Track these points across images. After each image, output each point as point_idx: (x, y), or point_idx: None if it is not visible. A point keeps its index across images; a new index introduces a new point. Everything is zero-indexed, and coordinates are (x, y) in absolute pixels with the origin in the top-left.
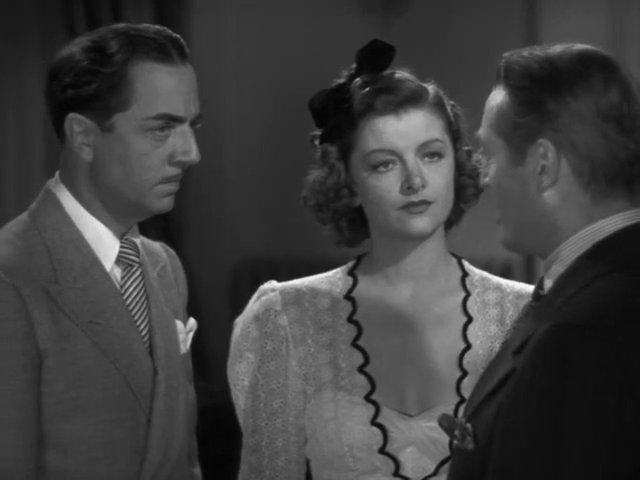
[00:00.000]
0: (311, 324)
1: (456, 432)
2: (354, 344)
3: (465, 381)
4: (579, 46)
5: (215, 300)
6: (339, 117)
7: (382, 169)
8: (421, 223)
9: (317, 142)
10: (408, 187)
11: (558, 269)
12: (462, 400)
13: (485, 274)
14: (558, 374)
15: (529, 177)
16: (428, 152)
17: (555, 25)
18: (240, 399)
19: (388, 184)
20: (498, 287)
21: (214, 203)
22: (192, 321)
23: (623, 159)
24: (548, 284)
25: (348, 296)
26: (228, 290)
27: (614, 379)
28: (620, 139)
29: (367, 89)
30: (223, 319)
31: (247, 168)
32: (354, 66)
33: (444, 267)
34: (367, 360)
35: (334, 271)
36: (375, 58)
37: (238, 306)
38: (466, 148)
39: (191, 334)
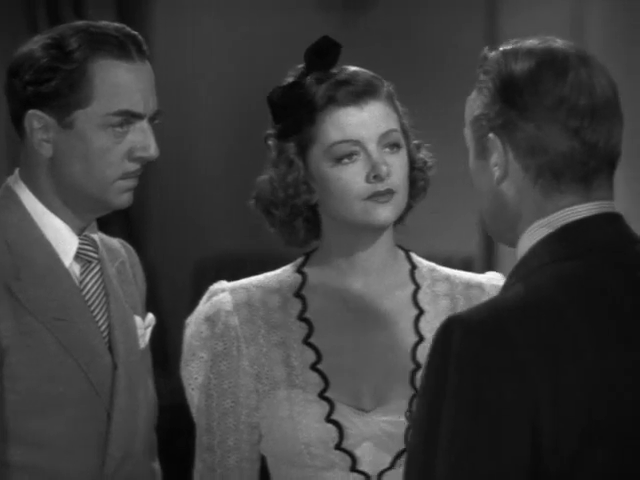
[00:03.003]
0: (262, 323)
1: None
2: (306, 342)
3: (419, 374)
4: (546, 43)
5: (178, 297)
6: (298, 112)
7: (346, 161)
8: (386, 212)
9: (271, 140)
10: (374, 176)
11: (517, 258)
12: (417, 393)
13: (433, 265)
14: (440, 364)
15: (489, 169)
16: (388, 142)
17: (516, 21)
18: (194, 397)
19: (353, 175)
20: (447, 278)
21: (177, 199)
22: (150, 316)
23: (570, 157)
24: None
25: (298, 294)
26: (191, 287)
27: (478, 378)
28: (565, 140)
29: (326, 82)
30: (186, 316)
31: (211, 164)
32: (302, 65)
33: (393, 261)
34: (319, 357)
35: (283, 269)
36: (324, 55)
37: None
38: (415, 142)
39: (149, 329)
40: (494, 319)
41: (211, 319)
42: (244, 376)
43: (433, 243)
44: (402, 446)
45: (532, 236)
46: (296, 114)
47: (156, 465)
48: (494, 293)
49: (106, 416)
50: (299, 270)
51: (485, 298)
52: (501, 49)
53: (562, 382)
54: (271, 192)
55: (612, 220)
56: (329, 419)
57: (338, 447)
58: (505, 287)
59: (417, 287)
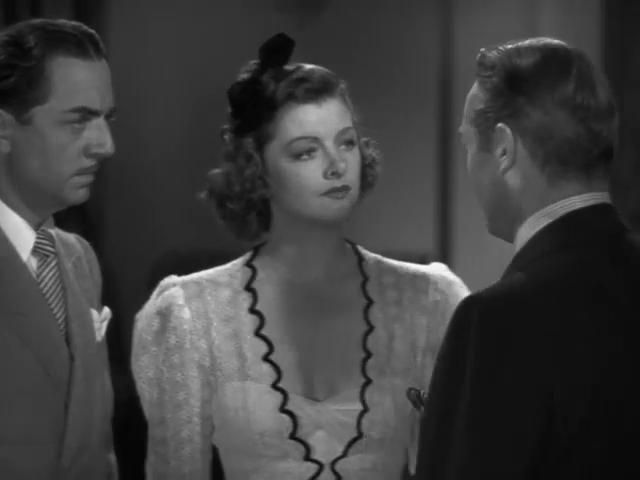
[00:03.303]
0: (214, 316)
1: (418, 404)
2: (257, 334)
3: (370, 362)
4: (544, 41)
5: (134, 294)
6: (258, 108)
7: (305, 157)
8: (342, 208)
9: (227, 135)
10: (332, 173)
11: (516, 250)
12: (368, 381)
13: (379, 257)
14: (458, 341)
15: (494, 161)
16: (344, 139)
17: (470, 21)
18: (145, 391)
19: (311, 171)
20: (394, 270)
21: (134, 196)
22: (106, 310)
23: (576, 143)
24: None
25: (248, 287)
26: (148, 283)
27: (497, 355)
28: (572, 126)
29: (285, 79)
30: None
31: (168, 162)
32: (254, 61)
33: (341, 253)
34: (271, 349)
35: (232, 263)
36: (280, 52)
37: None
38: (364, 139)
39: (105, 323)
40: (510, 300)
41: (163, 313)
42: (196, 369)
43: (390, 240)
44: (354, 434)
45: (533, 226)
46: (256, 110)
47: (112, 456)
48: (440, 283)
49: (63, 407)
50: (248, 264)
51: (431, 288)
52: (500, 48)
53: (572, 361)
54: (226, 186)
55: (608, 211)
56: (283, 409)
57: (292, 437)
58: (505, 276)
59: (365, 278)
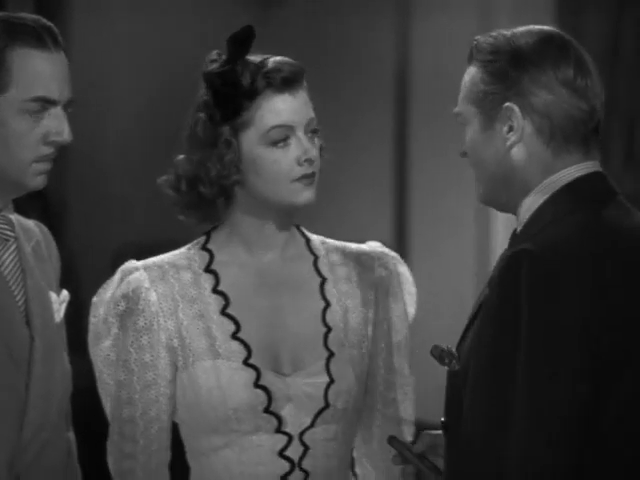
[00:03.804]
0: (179, 298)
1: (445, 359)
2: (223, 313)
3: (331, 336)
4: (540, 27)
5: (97, 281)
6: (239, 97)
7: (281, 144)
8: (311, 194)
9: (202, 124)
10: (305, 159)
11: (525, 215)
12: (331, 354)
13: (322, 238)
14: (513, 294)
15: (499, 138)
16: (311, 129)
17: (426, 26)
18: (104, 373)
19: (286, 158)
20: (338, 249)
21: (96, 186)
22: (65, 292)
23: (577, 118)
24: None
25: (208, 269)
26: (110, 272)
27: (565, 299)
28: (574, 101)
29: (261, 70)
30: None
31: (130, 152)
32: (216, 51)
33: (292, 235)
34: (239, 327)
35: (185, 248)
36: (246, 43)
37: None
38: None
39: (64, 304)
40: (554, 251)
41: (129, 296)
42: (164, 349)
43: (346, 230)
44: (322, 405)
45: (536, 198)
46: (236, 100)
47: (71, 434)
48: (383, 259)
49: (24, 386)
50: (204, 248)
51: (376, 265)
52: (494, 34)
53: (609, 299)
54: (202, 170)
55: (604, 177)
56: (257, 385)
57: (266, 410)
58: (514, 242)
59: (316, 257)
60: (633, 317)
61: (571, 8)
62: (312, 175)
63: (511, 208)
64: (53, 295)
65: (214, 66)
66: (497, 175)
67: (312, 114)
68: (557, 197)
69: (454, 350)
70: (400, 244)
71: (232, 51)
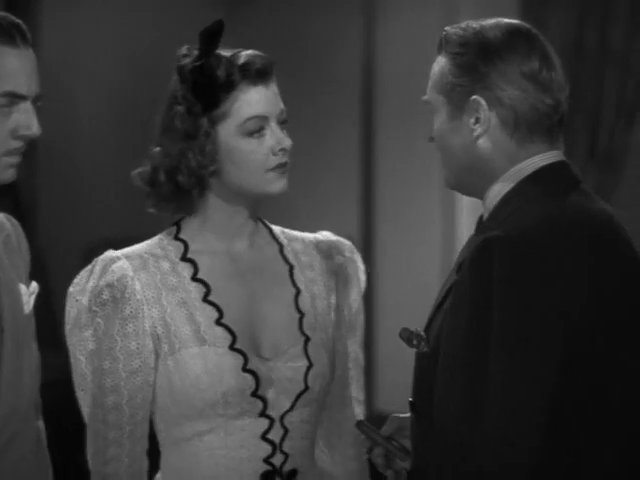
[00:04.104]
0: (161, 286)
1: (414, 341)
2: (205, 300)
3: (304, 321)
4: (507, 20)
5: (67, 277)
6: (217, 89)
7: (256, 135)
8: (284, 183)
9: (180, 116)
10: (280, 149)
11: (492, 202)
12: (307, 339)
13: (281, 228)
14: (486, 279)
15: (465, 128)
16: (282, 119)
17: (392, 24)
18: (82, 363)
19: (261, 148)
20: (297, 238)
21: (66, 181)
22: (34, 284)
23: (542, 112)
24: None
25: (184, 258)
26: (80, 267)
27: (536, 283)
28: (538, 95)
29: (236, 62)
30: None
31: (100, 147)
32: (187, 46)
33: (257, 225)
34: (222, 313)
35: (157, 238)
36: (217, 37)
37: None
38: None
39: (33, 296)
40: (524, 238)
41: (114, 285)
42: (149, 337)
43: (313, 223)
44: (301, 388)
45: (503, 186)
46: (214, 92)
47: (41, 423)
48: (340, 247)
49: None
50: (177, 238)
51: (334, 253)
52: (463, 26)
53: (579, 285)
54: (181, 161)
55: (567, 166)
56: (245, 369)
57: (254, 394)
58: (481, 228)
59: (280, 245)
60: (602, 302)
61: (535, 3)
62: (285, 164)
63: (477, 193)
64: (23, 287)
65: (187, 60)
66: (464, 162)
67: (282, 105)
68: (523, 185)
69: (422, 332)
70: (367, 234)
71: (204, 45)
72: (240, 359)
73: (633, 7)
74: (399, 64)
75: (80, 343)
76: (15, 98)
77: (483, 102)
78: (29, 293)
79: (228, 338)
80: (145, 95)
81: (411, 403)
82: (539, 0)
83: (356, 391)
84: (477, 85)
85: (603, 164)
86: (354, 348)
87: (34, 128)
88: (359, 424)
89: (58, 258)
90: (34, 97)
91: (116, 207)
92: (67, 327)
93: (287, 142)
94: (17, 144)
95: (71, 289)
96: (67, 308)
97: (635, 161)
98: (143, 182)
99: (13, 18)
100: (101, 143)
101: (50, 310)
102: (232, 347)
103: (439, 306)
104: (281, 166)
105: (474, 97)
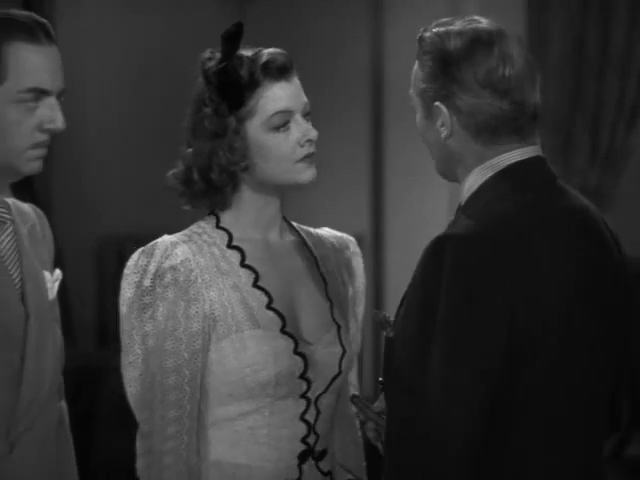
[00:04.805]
0: (215, 270)
1: (383, 325)
2: (255, 285)
3: (334, 310)
4: (474, 25)
5: (79, 273)
6: (242, 89)
7: (282, 129)
8: (313, 172)
9: (209, 117)
10: (307, 140)
11: (467, 193)
12: (339, 326)
13: (294, 222)
14: (433, 272)
15: (436, 129)
16: (306, 112)
17: (400, 24)
18: (137, 344)
19: (289, 141)
20: (311, 232)
21: (80, 178)
22: (58, 271)
23: (500, 116)
24: None
25: (230, 245)
26: (92, 264)
27: (484, 279)
28: (495, 102)
29: (259, 61)
30: (89, 292)
31: (114, 143)
32: (210, 49)
33: (282, 218)
34: (271, 298)
35: (200, 227)
36: (237, 39)
37: (103, 280)
38: None
39: (57, 283)
40: (477, 236)
41: (177, 268)
42: (205, 319)
43: (325, 220)
44: (335, 372)
45: (478, 177)
46: (240, 91)
47: (63, 404)
48: (346, 243)
49: (19, 361)
50: (219, 227)
51: (343, 247)
52: (434, 30)
53: (530, 285)
54: (215, 159)
55: (541, 162)
56: (296, 352)
57: (301, 376)
58: (456, 220)
59: (302, 238)
60: (552, 302)
61: (539, 8)
62: (313, 154)
63: (459, 181)
64: (47, 274)
65: (212, 64)
66: (441, 155)
67: (305, 98)
68: (493, 180)
69: (390, 317)
70: (377, 230)
71: (226, 47)
72: (291, 342)
73: (634, 7)
74: (408, 62)
75: (136, 323)
76: (40, 94)
77: (444, 109)
78: (53, 280)
79: (278, 322)
80: (156, 93)
81: (380, 382)
82: (542, 1)
83: (352, 376)
84: (439, 93)
85: (604, 164)
86: (357, 338)
87: (59, 122)
88: (353, 398)
89: (69, 252)
90: (58, 92)
91: (128, 203)
92: (122, 308)
93: (313, 133)
94: (42, 137)
95: (127, 271)
96: (123, 290)
97: (636, 161)
98: (178, 182)
99: (37, 17)
100: (113, 140)
101: (63, 301)
102: (282, 330)
103: (405, 294)
104: (309, 156)
105: (436, 104)
